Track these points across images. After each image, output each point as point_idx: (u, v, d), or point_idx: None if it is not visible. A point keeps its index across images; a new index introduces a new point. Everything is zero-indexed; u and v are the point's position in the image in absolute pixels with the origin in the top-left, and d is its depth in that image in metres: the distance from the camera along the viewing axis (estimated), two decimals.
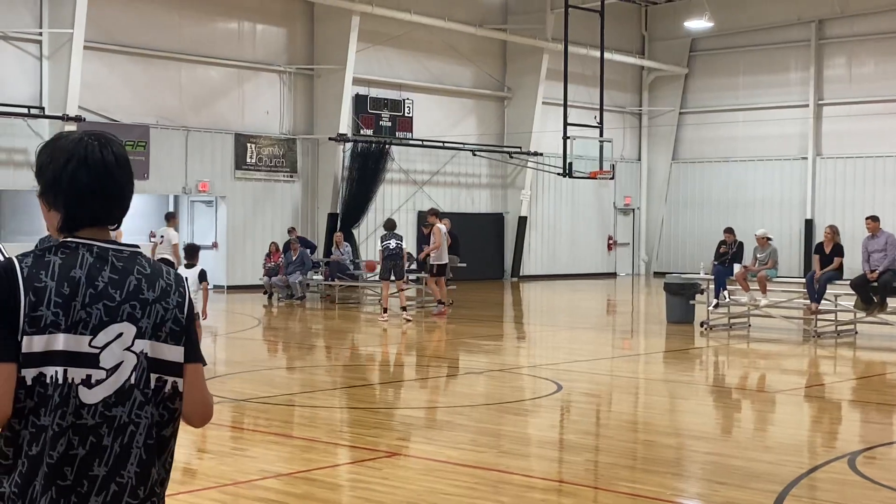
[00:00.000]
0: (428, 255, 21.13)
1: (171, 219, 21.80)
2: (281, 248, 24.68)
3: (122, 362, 2.64)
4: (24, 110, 22.65)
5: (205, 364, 2.82)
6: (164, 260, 20.51)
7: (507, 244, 33.34)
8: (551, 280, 33.10)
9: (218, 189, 26.60)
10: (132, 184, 2.79)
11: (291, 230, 25.31)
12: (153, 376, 2.68)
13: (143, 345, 2.67)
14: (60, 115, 22.73)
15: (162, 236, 21.43)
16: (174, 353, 2.71)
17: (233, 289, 25.84)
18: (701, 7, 32.06)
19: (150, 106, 25.16)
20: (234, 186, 26.81)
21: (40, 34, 23.14)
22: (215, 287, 25.71)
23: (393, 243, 20.06)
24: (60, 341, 2.58)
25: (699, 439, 9.41)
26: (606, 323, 22.52)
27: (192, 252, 13.81)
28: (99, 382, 2.62)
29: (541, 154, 32.23)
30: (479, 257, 29.79)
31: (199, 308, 13.47)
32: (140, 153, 24.71)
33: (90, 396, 2.61)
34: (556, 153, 29.64)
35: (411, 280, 22.74)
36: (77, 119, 22.92)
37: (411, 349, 16.78)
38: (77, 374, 2.60)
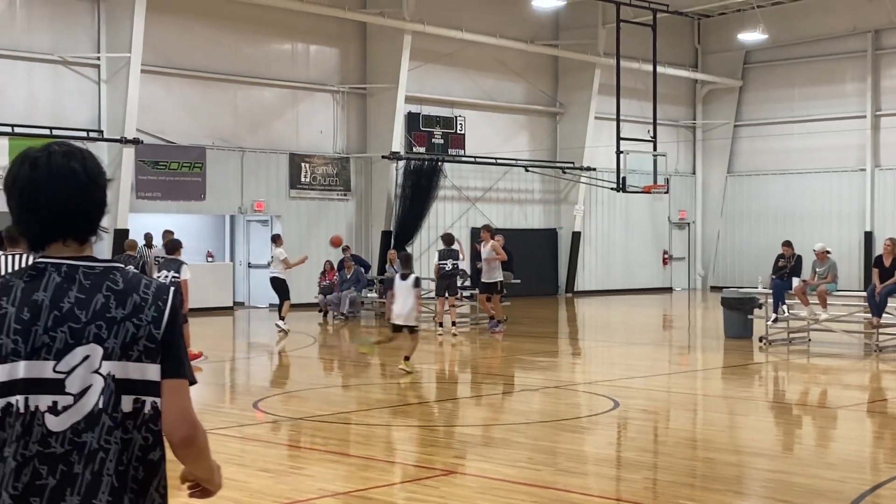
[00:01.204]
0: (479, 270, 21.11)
1: (277, 240, 21.63)
2: (335, 266, 24.81)
3: (89, 386, 2.52)
4: (83, 133, 23.04)
5: (192, 382, 2.65)
6: (275, 279, 20.68)
7: (560, 260, 33.23)
8: (606, 295, 32.92)
9: (273, 208, 26.83)
10: (99, 199, 2.64)
11: (346, 248, 25.44)
12: (127, 399, 2.54)
13: (110, 366, 2.53)
14: (118, 137, 23.09)
15: (272, 257, 21.45)
16: (149, 371, 2.56)
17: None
18: (755, 19, 31.80)
19: (206, 127, 25.48)
20: (289, 205, 27.02)
21: (99, 58, 23.54)
22: (270, 306, 25.92)
23: (449, 265, 20.17)
24: (21, 369, 2.49)
25: (760, 456, 9.28)
26: (663, 338, 22.33)
27: (406, 261, 14.93)
28: (66, 409, 2.50)
29: (594, 169, 32.12)
30: (532, 273, 29.71)
31: (415, 315, 14.49)
32: (197, 174, 25.04)
33: (57, 424, 2.50)
34: (610, 168, 29.53)
35: (465, 297, 22.74)
36: (135, 142, 23.28)
37: (466, 366, 16.77)
38: (42, 401, 2.49)
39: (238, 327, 23.73)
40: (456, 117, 30.25)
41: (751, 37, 32.48)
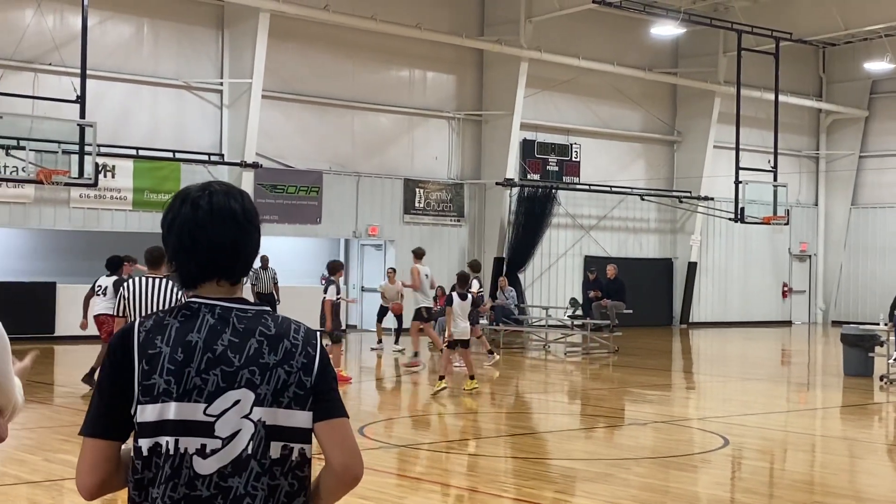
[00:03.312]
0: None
1: (419, 255, 21.50)
2: (447, 291, 24.80)
3: (238, 431, 2.50)
4: (205, 157, 23.63)
5: (346, 416, 2.62)
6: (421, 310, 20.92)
7: (675, 290, 32.69)
8: (722, 327, 32.24)
9: (387, 233, 27.05)
10: (255, 240, 2.63)
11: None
12: (276, 445, 2.53)
13: (261, 412, 2.51)
14: (239, 161, 23.61)
15: (426, 275, 21.54)
16: (299, 419, 2.55)
17: (400, 331, 26.09)
18: (882, 48, 30.90)
19: (323, 152, 25.88)
20: (403, 230, 27.21)
21: (221, 84, 24.15)
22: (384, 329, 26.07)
23: (476, 293, 19.99)
24: (172, 410, 2.47)
25: (877, 503, 8.91)
26: (780, 374, 21.71)
27: (464, 280, 15.60)
28: (214, 452, 2.49)
29: (711, 199, 31.58)
30: (646, 303, 29.29)
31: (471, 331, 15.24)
32: (313, 198, 25.43)
33: (204, 467, 2.48)
34: (728, 198, 28.99)
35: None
36: (254, 165, 23.77)
37: (575, 397, 16.57)
38: (190, 443, 2.48)
39: (350, 351, 23.93)
40: (571, 144, 30.10)
41: (878, 66, 31.57)
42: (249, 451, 2.50)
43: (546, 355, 22.66)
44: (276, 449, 2.53)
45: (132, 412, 2.49)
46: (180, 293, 9.68)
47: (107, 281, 15.01)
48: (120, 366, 2.51)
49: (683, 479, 9.90)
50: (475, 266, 20.47)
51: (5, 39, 19.94)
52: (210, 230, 2.55)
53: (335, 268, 16.87)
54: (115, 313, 9.95)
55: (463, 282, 15.69)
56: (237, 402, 2.50)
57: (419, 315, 19.26)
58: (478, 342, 19.78)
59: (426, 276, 19.65)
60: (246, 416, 2.50)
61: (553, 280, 29.85)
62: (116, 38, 23.12)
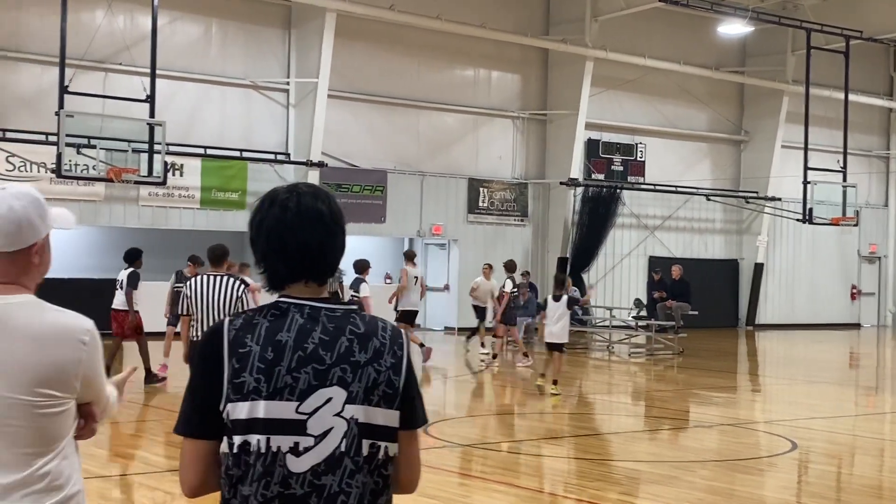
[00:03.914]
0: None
1: (410, 257, 21.35)
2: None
3: (331, 428, 2.51)
4: (272, 156, 23.86)
5: (425, 422, 2.66)
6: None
7: (741, 291, 32.32)
8: (789, 330, 31.81)
9: (451, 232, 27.11)
10: (341, 241, 2.65)
11: (525, 274, 25.35)
12: (366, 443, 2.54)
13: (353, 410, 2.52)
14: (304, 160, 23.81)
15: (416, 277, 21.36)
16: (388, 417, 2.56)
17: (464, 331, 26.14)
18: None
19: (388, 151, 26.00)
20: (467, 230, 27.25)
21: (288, 84, 24.37)
22: (445, 329, 26.17)
23: (518, 293, 19.85)
24: (262, 408, 2.49)
25: None
26: (848, 377, 21.37)
27: (560, 283, 15.45)
28: (307, 450, 2.50)
29: (779, 199, 31.17)
30: (711, 305, 29.00)
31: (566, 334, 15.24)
32: (378, 197, 25.56)
33: (298, 465, 2.49)
34: (796, 198, 28.59)
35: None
36: (320, 164, 23.96)
37: (639, 398, 16.47)
38: (283, 441, 2.49)
39: (414, 349, 23.99)
40: (636, 144, 29.91)
41: None
42: (343, 449, 2.52)
43: (610, 356, 22.55)
44: (366, 447, 2.55)
45: (222, 410, 2.52)
46: (242, 289, 9.79)
47: (122, 274, 14.86)
48: (210, 364, 2.54)
49: (749, 482, 9.80)
50: (511, 266, 20.26)
51: (77, 40, 20.30)
52: (298, 232, 2.57)
53: (364, 266, 16.98)
54: (180, 312, 10.06)
55: (559, 285, 15.55)
56: (329, 399, 2.51)
57: (405, 317, 18.78)
58: (507, 341, 19.62)
59: (415, 278, 19.24)
60: (338, 414, 2.52)
61: (617, 280, 29.68)
62: (185, 38, 23.45)
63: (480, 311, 21.68)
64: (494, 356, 19.56)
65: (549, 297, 15.38)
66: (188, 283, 9.98)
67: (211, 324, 9.57)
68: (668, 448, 11.96)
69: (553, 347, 15.15)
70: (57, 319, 2.85)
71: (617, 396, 16.58)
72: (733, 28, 28.14)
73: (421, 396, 2.67)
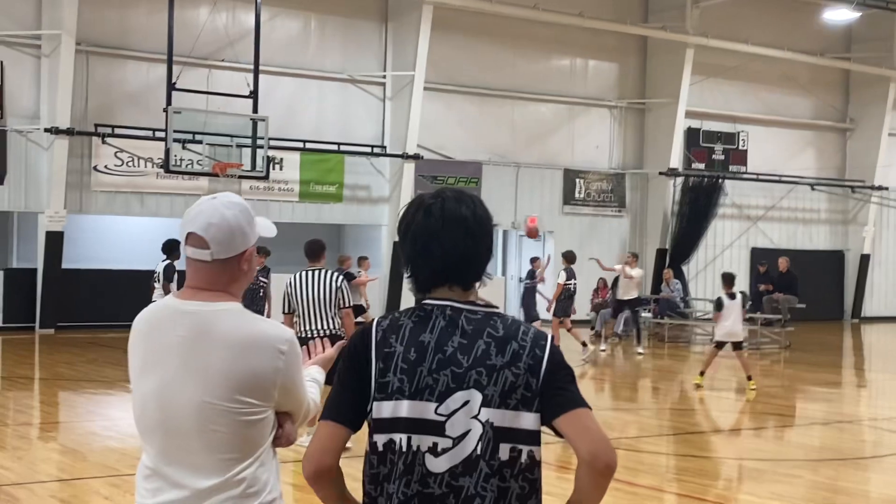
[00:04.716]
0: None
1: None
2: (608, 284, 24.55)
3: (468, 431, 2.53)
4: (368, 149, 24.00)
5: (586, 407, 2.58)
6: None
7: (847, 283, 31.50)
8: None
9: (546, 224, 26.89)
10: (486, 246, 2.68)
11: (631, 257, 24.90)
12: (504, 447, 2.55)
13: (489, 413, 2.54)
14: (401, 153, 23.90)
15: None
16: (527, 420, 2.56)
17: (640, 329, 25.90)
18: None
19: (483, 143, 25.93)
20: (562, 221, 27.05)
21: (384, 77, 24.48)
22: (542, 321, 25.96)
23: (573, 285, 19.03)
24: (405, 408, 2.55)
25: None
26: None
27: (730, 281, 15.30)
28: (445, 451, 2.53)
29: (886, 188, 30.31)
30: (817, 297, 28.28)
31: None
32: (473, 189, 25.52)
33: (436, 465, 2.54)
34: None
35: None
36: (415, 157, 24.02)
37: (743, 393, 16.13)
38: (423, 441, 2.54)
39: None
40: (738, 133, 29.33)
41: None
42: (479, 452, 2.53)
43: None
44: (504, 451, 2.55)
45: (368, 409, 2.59)
46: (341, 280, 9.80)
47: (159, 266, 13.81)
48: (359, 362, 2.61)
49: (858, 478, 9.53)
50: (570, 257, 19.32)
51: (183, 37, 20.65)
52: (442, 238, 2.62)
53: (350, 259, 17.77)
54: (283, 310, 9.98)
55: (729, 282, 15.44)
56: (466, 402, 2.54)
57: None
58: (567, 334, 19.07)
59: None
60: (474, 417, 2.54)
61: (718, 272, 29.08)
62: (285, 33, 23.70)
63: (620, 306, 21.11)
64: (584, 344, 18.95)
65: (723, 296, 15.33)
66: (288, 280, 9.95)
67: (314, 319, 9.64)
68: (774, 444, 11.69)
69: (736, 347, 15.36)
70: (257, 328, 2.89)
71: (720, 392, 16.25)
72: (839, 14, 27.39)
73: (571, 388, 2.60)
